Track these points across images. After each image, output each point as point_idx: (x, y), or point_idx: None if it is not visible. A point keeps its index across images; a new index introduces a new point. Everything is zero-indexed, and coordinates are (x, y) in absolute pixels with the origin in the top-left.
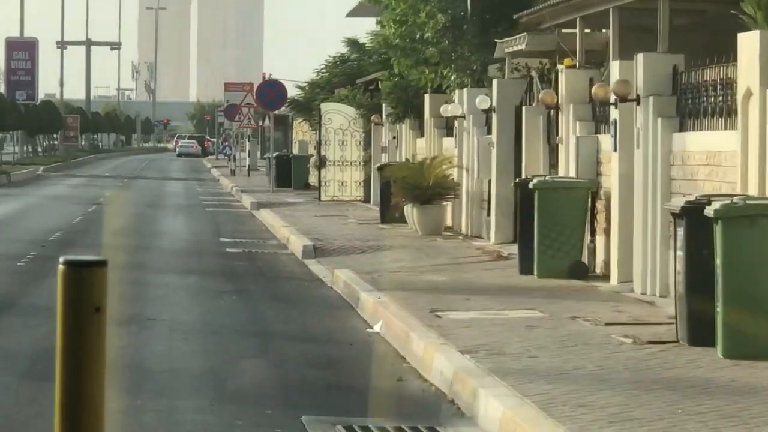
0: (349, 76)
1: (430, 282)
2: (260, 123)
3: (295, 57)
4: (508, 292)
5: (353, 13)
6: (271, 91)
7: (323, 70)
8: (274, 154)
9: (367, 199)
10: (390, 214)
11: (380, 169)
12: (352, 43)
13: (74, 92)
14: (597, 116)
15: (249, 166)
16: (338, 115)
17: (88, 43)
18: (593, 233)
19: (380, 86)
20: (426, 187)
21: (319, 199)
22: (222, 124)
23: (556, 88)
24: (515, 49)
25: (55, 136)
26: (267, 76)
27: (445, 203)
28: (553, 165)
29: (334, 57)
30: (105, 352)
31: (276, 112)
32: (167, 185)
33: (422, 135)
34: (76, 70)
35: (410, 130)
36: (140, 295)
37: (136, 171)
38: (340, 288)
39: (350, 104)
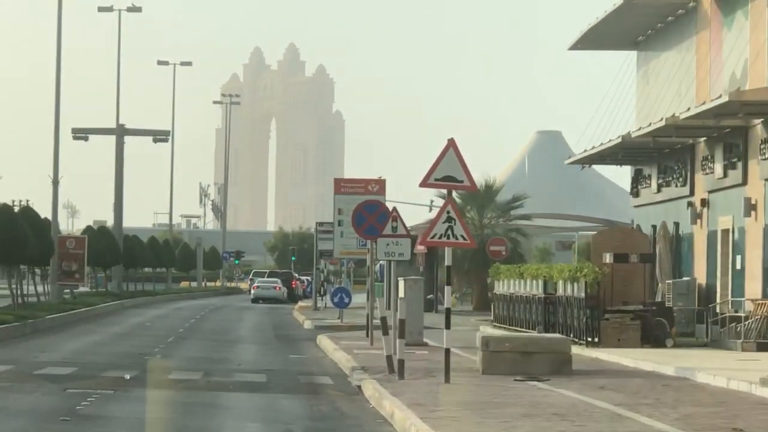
0: None
1: None
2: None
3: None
4: None
5: (576, 47)
6: None
7: None
8: None
9: None
10: None
11: None
12: None
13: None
14: None
15: (447, 352)
16: None
17: (120, 132)
18: None
19: None
20: None
21: None
22: (327, 254)
23: None
24: None
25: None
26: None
27: None
28: None
29: None
30: None
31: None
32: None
33: None
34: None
35: None
36: None
37: (163, 343)
38: None
39: None
